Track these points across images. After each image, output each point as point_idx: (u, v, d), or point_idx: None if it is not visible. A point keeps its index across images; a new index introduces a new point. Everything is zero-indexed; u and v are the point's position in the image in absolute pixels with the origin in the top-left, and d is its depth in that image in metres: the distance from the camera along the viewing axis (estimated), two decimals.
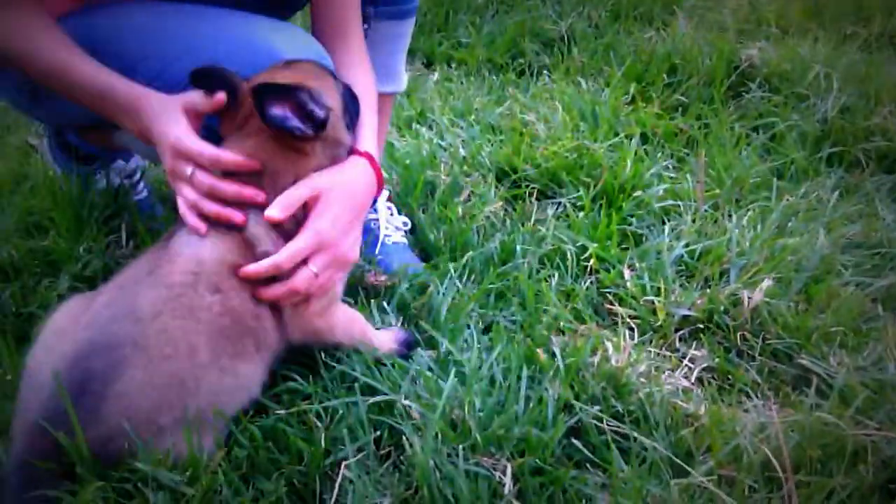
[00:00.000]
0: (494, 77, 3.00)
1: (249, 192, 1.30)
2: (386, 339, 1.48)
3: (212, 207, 1.29)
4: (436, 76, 2.99)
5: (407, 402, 1.29)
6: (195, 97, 1.36)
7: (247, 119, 1.35)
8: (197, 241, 1.27)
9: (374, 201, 1.94)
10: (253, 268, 1.27)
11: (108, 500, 1.11)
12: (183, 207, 1.31)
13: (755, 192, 2.17)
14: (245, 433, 1.25)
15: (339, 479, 1.18)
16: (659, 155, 2.33)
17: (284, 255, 1.29)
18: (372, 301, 1.64)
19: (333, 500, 1.16)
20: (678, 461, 1.21)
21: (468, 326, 1.55)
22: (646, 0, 3.50)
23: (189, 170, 1.30)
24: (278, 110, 1.28)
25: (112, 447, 1.12)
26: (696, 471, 1.19)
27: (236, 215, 1.29)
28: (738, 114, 2.55)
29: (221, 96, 1.34)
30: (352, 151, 1.47)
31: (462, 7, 3.53)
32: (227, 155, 1.31)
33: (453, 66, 3.16)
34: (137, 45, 1.56)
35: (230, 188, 1.29)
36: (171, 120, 1.33)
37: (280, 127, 1.28)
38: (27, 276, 1.59)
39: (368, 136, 1.54)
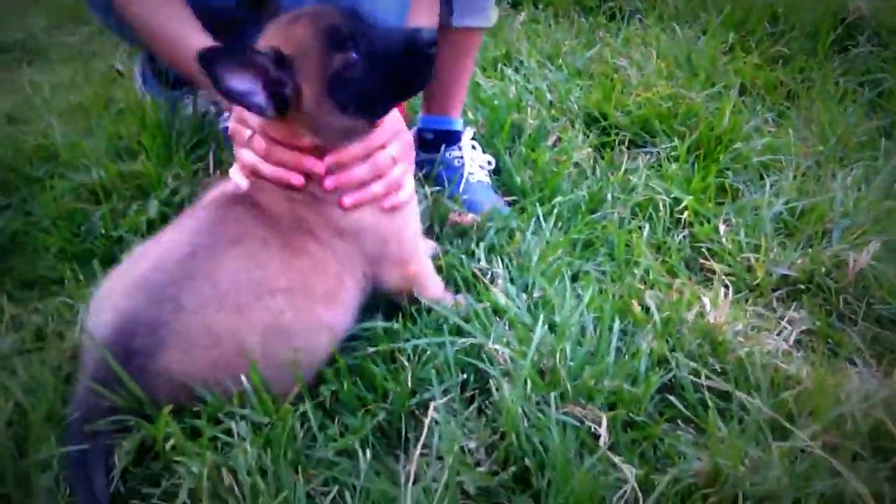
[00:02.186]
0: (583, 19, 2.90)
1: (309, 162, 1.25)
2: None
3: (269, 169, 1.26)
4: (522, 17, 2.89)
5: (496, 347, 1.25)
6: None
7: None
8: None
9: (459, 138, 1.90)
10: (346, 153, 1.25)
11: (185, 430, 1.11)
12: (235, 168, 1.30)
13: (860, 150, 2.05)
14: (331, 369, 1.24)
15: (427, 420, 1.15)
16: (758, 108, 2.22)
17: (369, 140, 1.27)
18: (460, 240, 1.60)
19: (421, 440, 1.13)
20: (781, 422, 1.15)
21: (561, 274, 1.49)
22: None
23: (248, 132, 1.28)
24: (236, 82, 1.11)
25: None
26: (800, 434, 1.13)
27: (294, 177, 1.25)
28: (844, 68, 2.41)
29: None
30: None
31: None
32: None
33: (540, 6, 3.05)
34: None
35: (286, 154, 1.25)
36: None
37: (237, 103, 1.14)
38: (117, 199, 1.60)
39: None
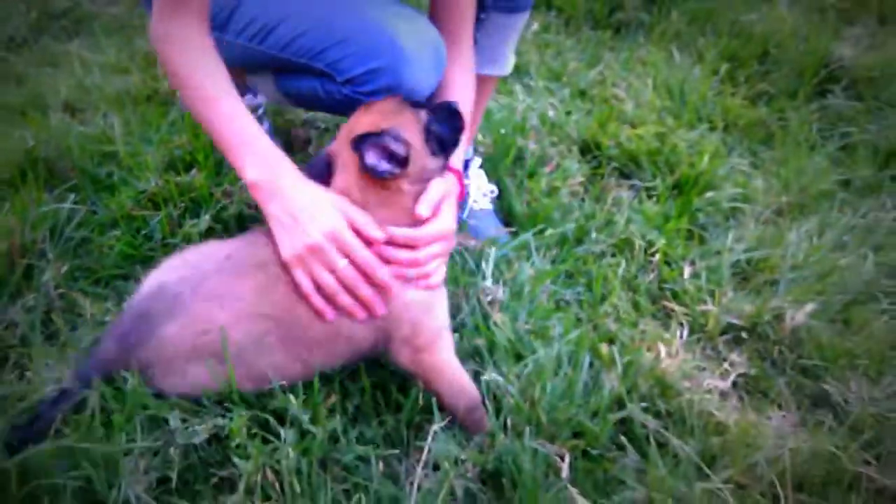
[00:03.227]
0: (591, 32, 3.11)
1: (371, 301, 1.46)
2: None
3: (347, 301, 1.44)
4: (535, 25, 3.10)
5: (494, 377, 1.55)
6: (355, 211, 1.46)
7: (346, 164, 1.50)
8: None
9: (467, 166, 2.15)
10: (396, 231, 1.47)
11: (250, 429, 1.41)
12: (310, 288, 1.44)
13: (819, 200, 2.32)
14: (357, 385, 1.53)
15: (430, 433, 1.45)
16: (737, 148, 2.48)
17: (422, 232, 1.49)
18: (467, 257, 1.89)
19: (425, 450, 1.43)
20: (704, 466, 1.47)
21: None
22: None
23: (343, 262, 1.43)
24: (372, 158, 1.42)
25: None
26: (717, 476, 1.45)
27: (360, 313, 1.46)
28: (819, 114, 2.66)
29: (380, 235, 1.46)
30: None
31: None
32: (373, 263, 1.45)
33: (553, 12, 3.25)
34: (273, 12, 1.76)
35: (365, 291, 1.45)
36: (328, 210, 1.44)
37: (376, 174, 1.43)
38: (173, 208, 1.85)
39: (457, 151, 1.68)
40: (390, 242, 1.47)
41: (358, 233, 1.44)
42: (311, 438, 1.41)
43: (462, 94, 1.76)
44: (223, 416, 1.42)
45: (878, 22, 3.25)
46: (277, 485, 1.35)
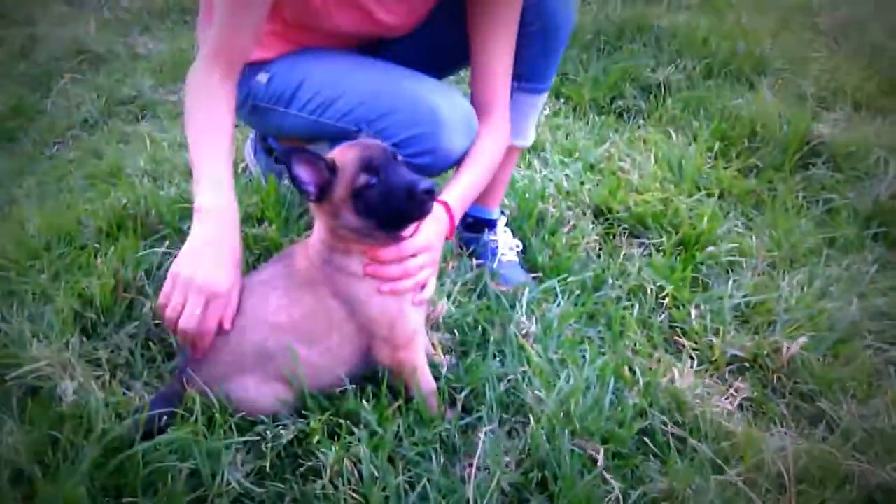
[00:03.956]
0: (597, 116, 3.49)
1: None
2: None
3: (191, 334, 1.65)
4: (547, 111, 3.47)
5: (535, 393, 1.80)
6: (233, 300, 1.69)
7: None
8: None
9: (495, 224, 2.45)
10: (383, 253, 1.68)
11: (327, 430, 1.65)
12: (163, 300, 1.65)
13: (808, 255, 2.62)
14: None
15: (481, 437, 1.70)
16: (732, 212, 2.80)
17: (404, 246, 1.71)
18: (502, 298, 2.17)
19: (478, 451, 1.67)
20: (718, 462, 1.71)
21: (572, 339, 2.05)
22: (736, 59, 3.92)
23: (198, 311, 1.63)
24: (302, 172, 1.60)
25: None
26: (730, 471, 1.69)
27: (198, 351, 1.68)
28: (804, 184, 2.99)
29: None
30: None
31: (574, 42, 3.97)
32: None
33: (562, 100, 3.64)
34: (331, 88, 2.09)
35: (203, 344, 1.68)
36: (230, 270, 1.69)
37: (298, 184, 1.60)
38: (248, 255, 2.14)
39: (458, 190, 1.96)
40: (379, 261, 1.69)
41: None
42: (379, 437, 1.66)
43: (483, 158, 2.06)
44: (303, 420, 1.67)
45: (853, 108, 3.63)
46: (356, 472, 1.59)
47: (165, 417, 1.62)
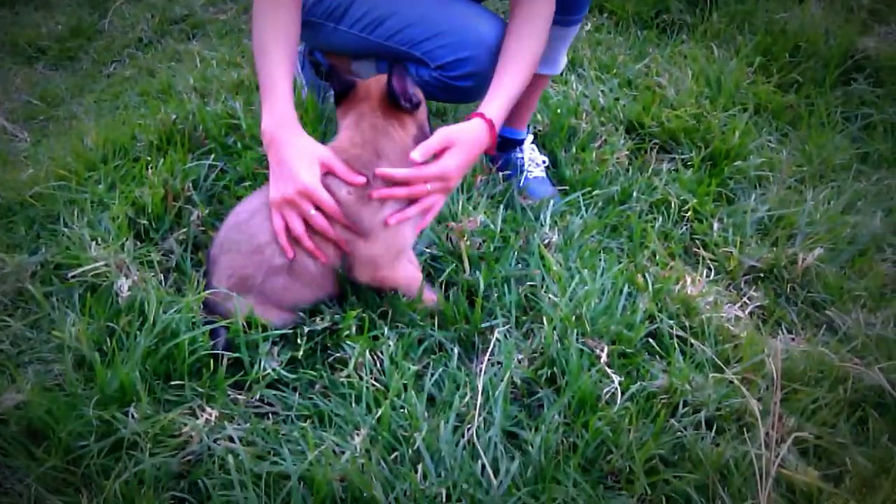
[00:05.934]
0: (640, 31, 3.47)
1: (342, 238, 1.78)
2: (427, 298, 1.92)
3: (309, 245, 1.76)
4: (588, 26, 3.48)
5: (550, 296, 1.92)
6: (336, 161, 1.76)
7: (358, 105, 1.85)
8: None
9: (522, 142, 2.52)
10: (389, 170, 1.76)
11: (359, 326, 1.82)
12: (280, 228, 1.75)
13: (838, 171, 2.64)
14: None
15: (493, 337, 1.84)
16: (766, 127, 2.81)
17: (417, 172, 1.77)
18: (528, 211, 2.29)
19: (489, 349, 1.81)
20: (719, 363, 1.82)
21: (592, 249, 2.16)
22: None
23: (312, 210, 1.72)
24: (397, 84, 1.79)
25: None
26: (728, 370, 1.80)
27: (321, 256, 1.79)
28: (843, 99, 2.97)
29: (360, 179, 1.76)
30: (480, 115, 1.88)
31: None
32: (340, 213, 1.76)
33: (605, 14, 3.63)
34: (382, 8, 2.17)
35: (332, 234, 1.77)
36: (307, 166, 1.73)
37: (398, 95, 1.80)
38: None
39: (496, 103, 1.92)
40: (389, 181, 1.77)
41: (342, 178, 1.75)
42: (406, 336, 1.82)
43: (522, 52, 2.01)
44: (339, 314, 1.84)
45: None
46: (378, 364, 1.75)
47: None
